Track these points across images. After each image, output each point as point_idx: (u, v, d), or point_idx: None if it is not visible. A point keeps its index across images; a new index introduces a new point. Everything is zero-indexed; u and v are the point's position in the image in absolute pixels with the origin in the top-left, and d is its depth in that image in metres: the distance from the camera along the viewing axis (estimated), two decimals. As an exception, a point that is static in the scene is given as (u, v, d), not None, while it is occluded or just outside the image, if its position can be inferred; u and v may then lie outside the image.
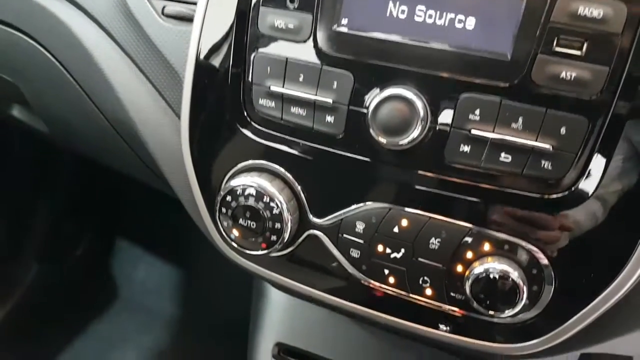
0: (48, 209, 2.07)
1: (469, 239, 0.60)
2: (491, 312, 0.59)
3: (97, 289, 2.18)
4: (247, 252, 0.70)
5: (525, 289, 0.57)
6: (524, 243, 0.58)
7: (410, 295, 0.65)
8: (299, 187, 0.66)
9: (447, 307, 0.64)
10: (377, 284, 0.66)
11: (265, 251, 0.68)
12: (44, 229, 2.08)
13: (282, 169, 0.67)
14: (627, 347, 0.74)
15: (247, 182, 0.66)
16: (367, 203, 0.64)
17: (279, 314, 0.99)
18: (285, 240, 0.67)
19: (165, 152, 0.81)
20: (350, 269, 0.67)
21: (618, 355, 1.20)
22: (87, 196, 2.20)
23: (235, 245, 0.70)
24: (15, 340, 1.93)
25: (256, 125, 0.67)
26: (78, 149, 1.30)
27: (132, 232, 2.28)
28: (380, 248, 0.64)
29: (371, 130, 0.60)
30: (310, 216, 0.67)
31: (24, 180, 1.96)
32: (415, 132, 0.58)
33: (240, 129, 0.68)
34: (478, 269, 0.58)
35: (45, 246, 2.08)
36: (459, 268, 0.61)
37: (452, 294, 0.62)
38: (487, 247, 0.59)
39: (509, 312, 0.59)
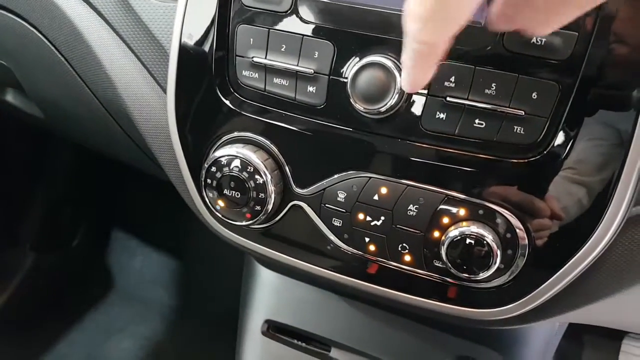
0: (44, 199, 2.08)
1: (445, 205, 0.61)
2: (466, 276, 0.60)
3: (94, 278, 2.19)
4: (233, 223, 0.71)
5: (499, 252, 0.59)
6: (498, 207, 0.59)
7: (391, 262, 0.67)
8: (282, 158, 0.68)
9: (425, 273, 0.65)
10: (359, 252, 0.68)
11: (250, 221, 0.70)
12: (40, 218, 2.08)
13: (265, 140, 0.68)
14: (610, 317, 0.75)
15: (232, 152, 0.67)
16: (348, 172, 0.65)
17: (268, 292, 1.00)
18: (269, 210, 0.68)
19: (153, 129, 0.82)
20: (333, 238, 0.69)
21: (603, 338, 1.22)
22: (84, 186, 2.20)
23: (220, 216, 0.71)
24: (11, 330, 1.95)
25: (240, 97, 0.69)
26: (72, 134, 1.31)
27: (129, 222, 2.29)
28: (361, 216, 0.66)
29: (351, 99, 0.61)
30: (294, 187, 0.69)
31: (20, 169, 1.97)
32: (393, 100, 0.59)
33: (225, 101, 0.69)
34: (453, 232, 0.60)
35: (42, 236, 2.09)
36: (436, 234, 0.62)
37: (430, 259, 0.64)
38: (462, 212, 0.61)
39: (483, 275, 0.60)
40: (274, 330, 0.99)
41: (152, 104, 0.80)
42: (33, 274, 2.05)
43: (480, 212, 0.60)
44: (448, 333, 0.90)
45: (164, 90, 0.77)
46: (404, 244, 0.65)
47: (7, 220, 1.97)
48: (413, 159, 0.62)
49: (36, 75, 1.06)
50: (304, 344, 0.97)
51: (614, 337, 1.32)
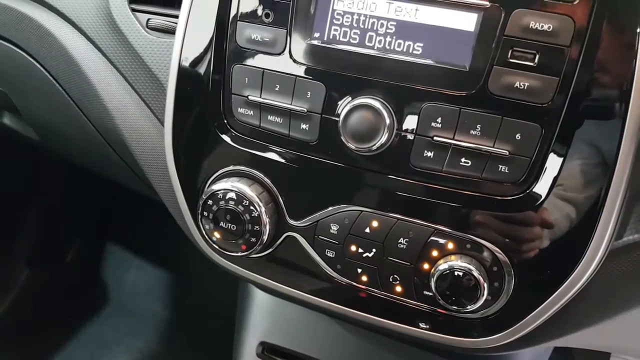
0: (39, 214, 2.08)
1: (434, 239, 0.64)
2: (455, 307, 0.63)
3: (88, 292, 2.19)
4: (228, 253, 0.73)
5: (486, 285, 0.61)
6: (484, 242, 0.62)
7: (382, 292, 0.69)
8: (277, 191, 0.70)
9: (416, 303, 0.68)
10: (351, 282, 0.70)
11: (245, 253, 0.72)
12: (35, 233, 2.09)
13: (260, 174, 0.70)
14: (595, 343, 0.78)
15: (228, 186, 0.69)
16: (341, 206, 0.68)
17: (263, 314, 1.02)
18: (264, 241, 0.71)
19: (150, 159, 0.84)
20: (326, 268, 0.71)
21: (594, 351, 1.24)
22: (78, 201, 2.21)
23: (216, 247, 0.74)
24: (5, 344, 1.94)
25: (236, 133, 0.71)
26: (68, 157, 1.32)
27: (123, 236, 2.30)
28: (353, 248, 0.68)
29: (342, 137, 0.64)
30: (288, 219, 0.71)
31: (15, 184, 1.97)
32: (382, 139, 0.62)
33: (221, 136, 0.71)
34: (442, 266, 0.62)
35: (37, 251, 2.09)
36: (426, 266, 0.65)
37: (420, 290, 0.66)
38: (450, 246, 0.63)
39: (471, 307, 0.62)
40: (269, 352, 1.01)
41: (150, 135, 0.82)
42: (28, 288, 2.05)
43: (468, 246, 0.63)
44: (439, 355, 0.92)
45: (162, 123, 0.80)
46: (395, 275, 0.67)
47: (2, 235, 1.98)
48: (402, 194, 0.65)
49: (33, 102, 1.08)
50: (298, 366, 0.99)
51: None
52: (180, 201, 0.77)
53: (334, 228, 0.68)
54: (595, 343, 0.75)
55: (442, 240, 0.64)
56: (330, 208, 0.68)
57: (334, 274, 0.71)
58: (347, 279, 0.71)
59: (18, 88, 1.08)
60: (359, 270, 0.69)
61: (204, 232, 0.73)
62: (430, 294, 0.65)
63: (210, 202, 0.70)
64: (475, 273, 0.61)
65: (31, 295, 2.05)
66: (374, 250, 0.67)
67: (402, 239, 0.65)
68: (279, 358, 1.00)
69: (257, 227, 0.70)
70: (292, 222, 0.71)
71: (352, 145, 0.63)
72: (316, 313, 0.98)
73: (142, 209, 2.16)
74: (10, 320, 1.98)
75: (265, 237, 0.70)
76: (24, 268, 2.05)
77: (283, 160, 0.69)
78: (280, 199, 0.70)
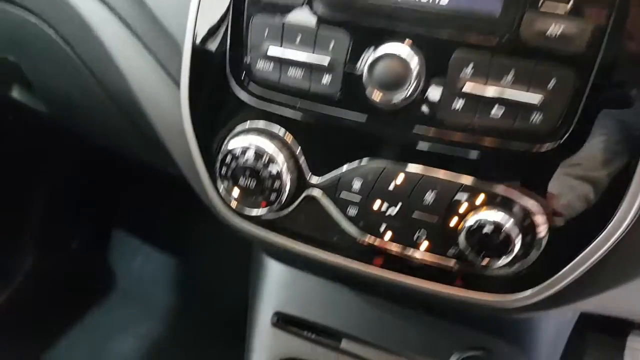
0: (45, 200, 2.07)
1: (462, 193, 0.62)
2: (484, 263, 0.61)
3: (95, 279, 2.19)
4: (247, 211, 0.72)
5: (518, 238, 0.59)
6: (516, 194, 0.60)
7: (406, 249, 0.67)
8: (297, 148, 0.68)
9: (442, 259, 0.66)
10: (374, 240, 0.68)
11: (265, 209, 0.70)
12: (41, 219, 2.07)
13: (280, 130, 0.68)
14: (625, 306, 0.75)
15: (246, 143, 0.68)
16: (364, 161, 0.66)
17: (277, 284, 1.01)
18: (284, 199, 0.69)
19: (166, 123, 0.82)
20: (348, 226, 0.69)
21: (608, 337, 1.22)
22: (85, 187, 2.20)
23: (234, 205, 0.72)
24: (11, 330, 1.94)
25: (255, 89, 0.69)
26: (77, 129, 1.31)
27: (130, 223, 2.29)
28: (376, 205, 0.66)
29: (367, 89, 0.62)
30: (309, 176, 0.69)
31: (21, 170, 1.96)
32: (409, 90, 0.60)
33: (239, 92, 0.69)
34: (471, 220, 0.61)
35: (43, 236, 2.08)
36: (453, 221, 0.63)
37: (447, 246, 0.64)
38: (480, 199, 0.61)
39: (501, 263, 0.61)
40: (284, 321, 0.99)
41: (165, 98, 0.80)
42: (34, 274, 2.04)
43: (498, 199, 0.61)
44: (459, 324, 0.90)
45: (177, 85, 0.78)
46: (421, 231, 0.65)
47: (7, 221, 1.96)
48: (429, 147, 0.63)
49: (45, 70, 1.07)
50: (314, 335, 0.97)
51: (620, 333, 1.32)
52: (197, 161, 0.75)
53: (356, 184, 0.66)
54: (625, 307, 0.73)
55: (470, 194, 0.61)
56: (352, 164, 0.66)
57: (356, 232, 0.69)
58: (370, 237, 0.68)
59: (31, 56, 1.06)
60: (383, 227, 0.67)
61: (221, 192, 0.72)
62: (457, 250, 0.63)
63: (228, 159, 0.69)
64: (507, 226, 0.59)
65: (35, 280, 2.04)
66: (398, 205, 0.65)
67: (428, 194, 0.63)
68: (294, 327, 0.98)
69: (277, 183, 0.68)
70: (313, 179, 0.69)
71: (376, 97, 0.61)
72: (332, 283, 0.96)
73: (149, 195, 2.19)
74: (15, 307, 1.97)
75: (285, 194, 0.68)
76: (28, 253, 2.05)
77: (304, 116, 0.67)
78: (300, 155, 0.69)
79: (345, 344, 0.96)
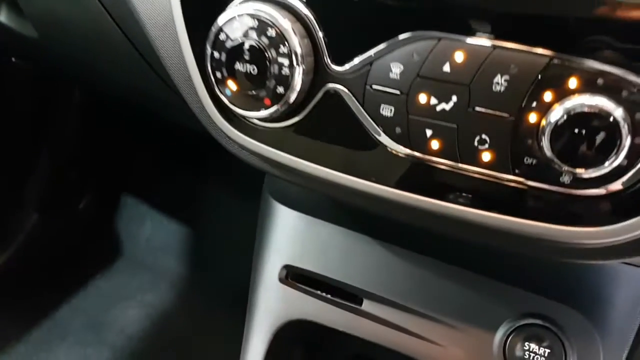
0: (50, 160, 1.99)
1: (548, 73, 0.43)
2: (578, 170, 0.42)
3: (100, 244, 2.13)
4: (247, 114, 0.54)
5: (628, 136, 0.41)
6: (627, 73, 0.41)
7: (460, 165, 0.49)
8: (314, 21, 0.50)
9: (511, 178, 0.47)
10: (416, 152, 0.50)
11: (269, 110, 0.52)
12: (45, 179, 1.99)
13: None
14: None
15: (247, 10, 0.50)
16: (407, 35, 0.47)
17: (288, 234, 0.85)
18: (295, 94, 0.51)
19: (154, 12, 0.66)
20: (380, 134, 0.51)
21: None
22: (92, 148, 2.11)
23: (231, 106, 0.54)
24: (11, 292, 1.87)
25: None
26: (66, 54, 1.19)
27: (139, 189, 2.21)
28: (422, 98, 0.48)
29: None
30: (329, 62, 0.51)
31: (25, 129, 1.88)
32: None
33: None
34: (559, 110, 0.42)
35: (46, 197, 2.01)
36: (533, 117, 0.44)
37: (520, 157, 0.46)
38: (573, 82, 0.42)
39: (599, 172, 0.42)
40: (294, 278, 0.82)
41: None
42: (36, 235, 1.97)
43: (600, 80, 0.42)
44: (513, 284, 0.72)
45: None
46: (484, 136, 0.46)
47: (10, 180, 1.89)
48: (502, 10, 0.44)
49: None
50: (329, 296, 0.80)
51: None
52: (185, 50, 0.57)
53: (395, 70, 0.48)
54: None
55: (560, 75, 0.43)
56: (391, 40, 0.48)
57: (391, 143, 0.51)
58: (410, 149, 0.50)
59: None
60: (429, 133, 0.48)
61: (214, 87, 0.54)
62: (535, 160, 0.45)
63: (222, 36, 0.51)
64: (616, 115, 0.40)
65: (39, 242, 1.98)
66: (454, 98, 0.46)
67: (499, 77, 0.44)
68: (305, 285, 0.81)
69: (287, 70, 0.50)
70: (334, 67, 0.51)
71: None
72: (352, 232, 0.79)
73: (159, 160, 2.14)
74: (14, 269, 1.90)
75: (297, 87, 0.50)
76: (32, 213, 1.96)
77: None
78: (319, 32, 0.50)
79: (367, 306, 0.79)
